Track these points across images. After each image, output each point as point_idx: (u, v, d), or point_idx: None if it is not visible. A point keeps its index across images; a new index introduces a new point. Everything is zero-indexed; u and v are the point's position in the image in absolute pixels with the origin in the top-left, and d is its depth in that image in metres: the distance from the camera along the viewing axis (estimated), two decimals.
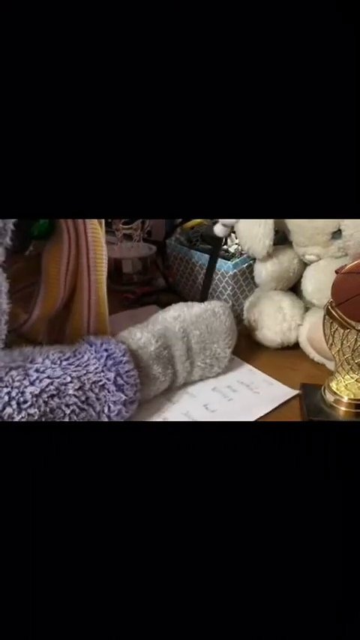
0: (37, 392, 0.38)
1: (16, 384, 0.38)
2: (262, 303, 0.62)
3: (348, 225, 0.53)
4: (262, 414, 0.49)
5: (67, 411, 0.40)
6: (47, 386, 0.39)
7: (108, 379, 0.43)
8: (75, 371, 0.41)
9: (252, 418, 0.48)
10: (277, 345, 0.60)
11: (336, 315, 0.44)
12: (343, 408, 0.47)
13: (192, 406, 0.50)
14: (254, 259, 0.65)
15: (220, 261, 0.65)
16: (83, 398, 0.41)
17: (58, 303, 0.49)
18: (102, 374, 0.43)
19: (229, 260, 0.65)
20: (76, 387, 0.41)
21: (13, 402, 0.37)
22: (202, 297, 0.59)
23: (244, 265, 0.66)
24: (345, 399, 0.47)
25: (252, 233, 0.62)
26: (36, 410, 0.38)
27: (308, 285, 0.58)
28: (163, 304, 0.75)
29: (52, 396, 0.39)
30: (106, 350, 0.44)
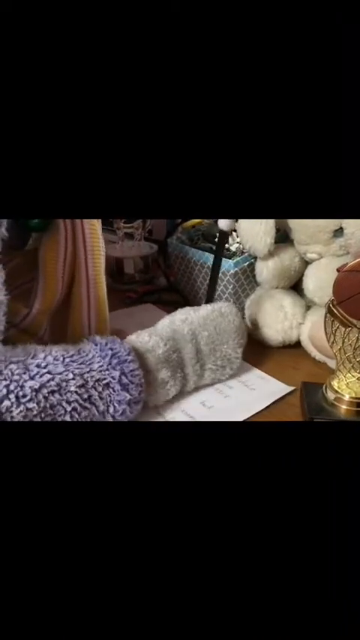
0: (36, 386, 0.38)
1: (16, 377, 0.38)
2: (264, 302, 0.61)
3: (349, 223, 0.53)
4: (258, 410, 0.49)
5: (68, 408, 0.40)
6: (48, 381, 0.39)
7: (113, 378, 0.42)
8: (78, 368, 0.41)
9: (249, 414, 0.49)
10: (279, 344, 0.60)
11: (337, 313, 0.44)
12: (344, 407, 0.47)
13: (189, 403, 0.51)
14: (255, 258, 0.65)
15: (222, 260, 0.65)
16: (85, 396, 0.41)
17: (58, 296, 0.49)
18: (106, 372, 0.42)
19: (230, 258, 0.65)
20: (78, 384, 0.40)
21: (12, 396, 0.37)
22: (209, 299, 0.59)
23: (246, 264, 0.66)
24: (346, 398, 0.47)
25: (253, 231, 0.62)
26: (35, 405, 0.38)
27: (309, 283, 0.58)
28: (165, 303, 0.75)
29: (52, 392, 0.39)
30: (111, 349, 0.44)
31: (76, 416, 0.40)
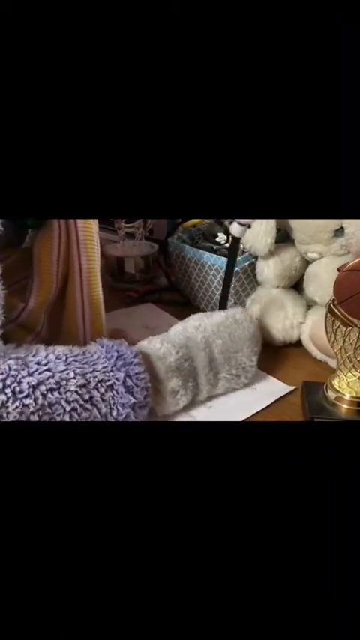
0: (34, 383, 0.37)
1: (13, 372, 0.37)
2: (265, 301, 0.61)
3: (350, 222, 0.53)
4: (258, 410, 0.49)
5: (68, 408, 0.39)
6: (47, 379, 0.38)
7: (117, 379, 0.41)
8: (80, 367, 0.40)
9: (249, 413, 0.49)
10: (280, 343, 0.60)
11: (338, 312, 0.44)
12: (345, 406, 0.47)
13: (189, 403, 0.50)
14: (256, 257, 0.65)
15: (222, 259, 0.65)
16: (87, 396, 0.40)
17: (52, 291, 0.49)
18: (111, 374, 0.41)
19: None
20: (79, 384, 0.39)
21: (8, 390, 0.36)
22: (222, 305, 0.56)
23: (247, 263, 0.66)
24: (347, 397, 0.47)
25: (254, 231, 0.62)
26: (32, 401, 0.37)
27: (310, 282, 0.58)
28: (165, 302, 0.75)
29: (51, 390, 0.38)
30: (117, 351, 0.43)
31: (76, 417, 0.39)
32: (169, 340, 0.47)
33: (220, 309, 0.54)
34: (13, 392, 0.36)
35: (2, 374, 0.37)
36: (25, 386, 0.37)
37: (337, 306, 0.43)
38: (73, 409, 0.39)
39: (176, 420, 0.48)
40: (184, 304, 0.75)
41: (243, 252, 0.67)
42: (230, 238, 0.55)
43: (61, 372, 0.39)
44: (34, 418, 0.37)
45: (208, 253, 0.68)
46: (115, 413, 0.41)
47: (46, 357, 0.40)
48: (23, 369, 0.38)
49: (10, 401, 0.36)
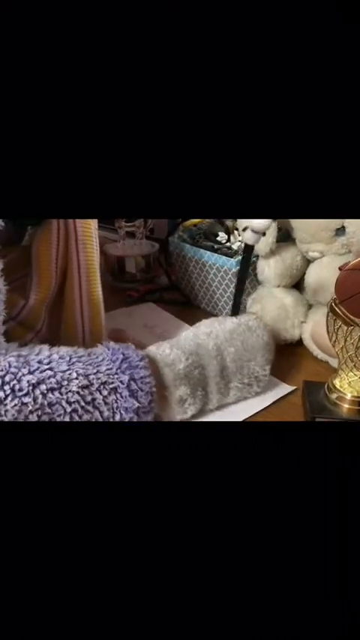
0: (34, 381, 0.37)
1: (13, 369, 0.36)
2: (265, 300, 0.61)
3: (351, 222, 0.53)
4: (259, 409, 0.49)
5: (68, 409, 0.38)
6: (48, 378, 0.37)
7: (121, 382, 0.40)
8: (83, 368, 0.39)
9: (250, 413, 0.48)
10: (280, 343, 0.60)
11: (339, 312, 0.43)
12: (346, 406, 0.47)
13: None
14: (257, 256, 0.65)
15: (223, 258, 0.65)
16: (89, 398, 0.39)
17: (52, 287, 0.49)
18: (115, 376, 0.40)
19: (232, 257, 0.65)
20: (82, 385, 0.38)
21: (7, 387, 0.35)
22: (234, 311, 0.55)
23: None
24: (348, 397, 0.47)
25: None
26: (31, 400, 0.36)
27: (311, 282, 0.58)
28: (166, 302, 0.75)
29: (52, 390, 0.37)
30: (123, 353, 0.42)
31: (77, 419, 0.38)
32: (179, 346, 0.46)
33: (232, 315, 0.52)
34: (12, 389, 0.36)
35: (2, 370, 0.36)
36: (24, 384, 0.36)
37: (339, 306, 0.43)
38: (74, 410, 0.38)
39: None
40: (184, 304, 0.75)
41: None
42: (243, 246, 0.53)
43: (63, 371, 0.38)
44: (33, 418, 0.37)
45: (209, 252, 0.68)
46: (117, 417, 0.40)
47: (49, 356, 0.39)
48: (24, 367, 0.37)
49: (9, 398, 0.35)
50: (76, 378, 0.38)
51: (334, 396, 0.48)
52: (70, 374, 0.38)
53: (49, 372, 0.38)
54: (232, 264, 0.64)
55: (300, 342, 0.61)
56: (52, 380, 0.37)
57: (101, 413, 0.39)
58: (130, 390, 0.40)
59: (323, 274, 0.56)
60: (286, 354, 0.60)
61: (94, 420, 0.39)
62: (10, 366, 0.36)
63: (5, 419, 0.36)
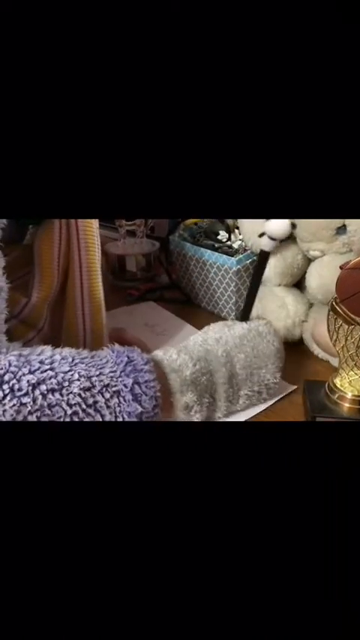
0: (34, 381, 0.36)
1: (13, 368, 0.35)
2: (266, 299, 0.61)
3: (352, 220, 0.52)
4: (260, 409, 0.49)
5: (69, 411, 0.36)
6: (49, 378, 0.36)
7: (125, 385, 0.39)
8: (86, 370, 0.38)
9: (251, 412, 0.48)
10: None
11: (340, 311, 0.43)
12: (347, 405, 0.47)
13: None
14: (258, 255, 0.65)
15: (224, 257, 0.65)
16: (90, 401, 0.37)
17: (55, 285, 0.48)
18: (119, 379, 0.39)
19: (232, 256, 0.65)
20: (83, 387, 0.37)
21: (6, 387, 0.35)
22: (244, 316, 0.52)
23: (248, 261, 0.66)
24: (349, 396, 0.47)
25: (255, 229, 0.62)
26: (30, 400, 0.35)
27: (312, 281, 0.58)
28: (167, 301, 0.75)
29: (52, 391, 0.36)
30: (128, 356, 0.41)
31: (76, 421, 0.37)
32: (187, 351, 0.44)
33: (241, 320, 0.51)
34: (11, 389, 0.35)
35: (1, 369, 0.35)
36: (24, 384, 0.35)
37: (339, 305, 0.43)
38: (75, 413, 0.37)
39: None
40: (185, 302, 0.75)
41: (245, 250, 0.67)
42: (259, 252, 0.51)
43: (65, 372, 0.37)
44: (32, 419, 0.36)
45: (209, 251, 0.68)
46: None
47: (51, 356, 0.38)
48: (24, 367, 0.36)
49: (7, 398, 0.35)
50: (78, 380, 0.37)
51: (334, 395, 0.48)
52: (71, 375, 0.37)
53: (50, 373, 0.37)
54: (232, 262, 0.64)
55: (301, 341, 0.61)
56: (53, 380, 0.36)
57: (103, 417, 0.38)
58: (133, 394, 0.39)
59: (324, 273, 0.56)
60: (286, 353, 0.59)
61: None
62: (10, 365, 0.36)
63: (3, 419, 0.35)
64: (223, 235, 0.72)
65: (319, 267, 0.57)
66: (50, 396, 0.36)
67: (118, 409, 0.39)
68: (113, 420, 0.39)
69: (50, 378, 0.36)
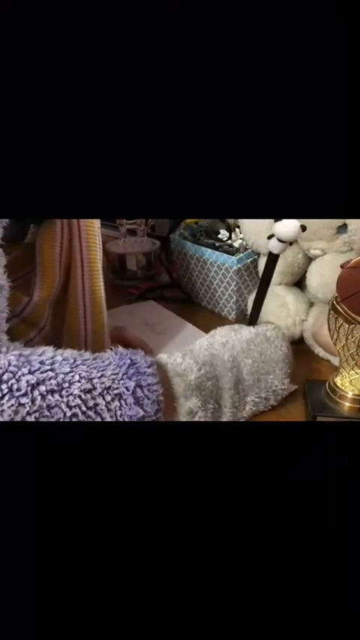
0: (33, 381, 0.35)
1: (12, 368, 0.35)
2: (267, 298, 0.61)
3: (353, 219, 0.52)
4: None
5: (68, 413, 0.36)
6: (49, 379, 0.35)
7: (126, 388, 0.38)
8: (87, 371, 0.37)
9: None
10: None
11: (341, 310, 0.43)
12: (347, 404, 0.47)
13: None
14: (258, 254, 0.65)
15: (224, 256, 0.65)
16: (91, 403, 0.37)
17: (56, 284, 0.48)
18: (121, 381, 0.38)
19: (233, 255, 0.65)
20: (84, 389, 0.36)
21: (4, 386, 0.34)
22: (252, 321, 0.51)
23: (249, 260, 0.66)
24: (350, 395, 0.47)
25: (256, 228, 0.61)
26: (29, 401, 0.34)
27: (313, 279, 0.58)
28: (167, 300, 0.75)
29: (51, 392, 0.35)
30: (130, 358, 0.40)
31: None
32: (193, 355, 0.44)
33: (249, 324, 0.51)
34: (10, 389, 0.34)
35: (0, 368, 0.35)
36: (23, 384, 0.35)
37: (340, 304, 0.43)
38: (74, 415, 0.36)
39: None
40: (185, 301, 0.75)
41: (245, 248, 0.67)
42: (268, 254, 0.49)
43: (65, 373, 0.36)
44: (31, 420, 0.35)
45: (210, 250, 0.68)
46: None
47: (52, 357, 0.37)
48: (24, 366, 0.35)
49: (6, 398, 0.34)
50: (79, 381, 0.36)
51: (335, 394, 0.48)
52: (72, 376, 0.36)
53: (50, 373, 0.36)
54: (233, 261, 0.64)
55: (301, 340, 0.61)
56: (53, 381, 0.36)
57: (103, 420, 0.37)
58: (135, 398, 0.38)
59: (325, 272, 0.56)
60: None
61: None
62: (9, 364, 0.35)
63: (1, 419, 0.34)
64: (223, 234, 0.72)
65: (320, 266, 0.57)
66: (49, 397, 0.35)
67: (119, 412, 0.38)
68: None
69: (50, 379, 0.36)
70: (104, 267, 0.51)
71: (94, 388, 0.37)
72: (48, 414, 0.35)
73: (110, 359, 0.40)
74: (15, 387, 0.34)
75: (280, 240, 0.46)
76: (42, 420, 0.35)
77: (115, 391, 0.38)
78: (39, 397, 0.35)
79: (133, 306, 0.74)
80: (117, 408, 0.38)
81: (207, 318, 0.70)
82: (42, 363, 0.36)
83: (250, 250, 0.66)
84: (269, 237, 0.46)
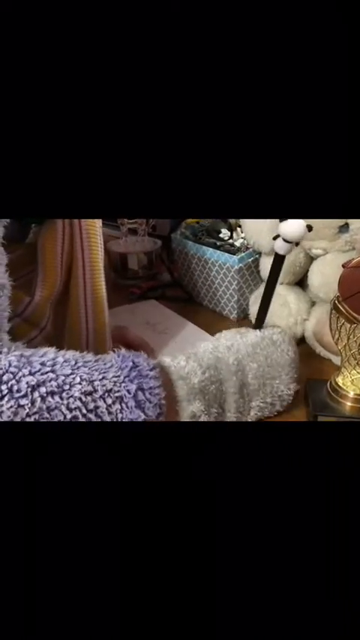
0: (34, 383, 0.34)
1: (12, 369, 0.34)
2: None
3: (355, 219, 0.52)
4: None
5: (69, 415, 0.35)
6: (49, 380, 0.35)
7: (128, 391, 0.37)
8: (88, 373, 0.37)
9: None
10: None
11: (342, 309, 0.43)
12: (348, 404, 0.47)
13: None
14: (260, 253, 0.65)
15: (226, 255, 0.65)
16: (91, 406, 0.36)
17: (58, 283, 0.48)
18: (122, 384, 0.38)
19: (234, 254, 0.65)
20: (84, 391, 0.36)
21: (4, 387, 0.34)
22: (258, 324, 0.50)
23: (250, 259, 0.65)
24: (351, 395, 0.47)
25: (257, 227, 0.61)
26: (28, 402, 0.34)
27: (314, 279, 0.57)
28: (169, 299, 0.75)
29: (52, 393, 0.35)
30: (133, 361, 0.39)
31: None
32: (197, 359, 0.43)
33: (255, 328, 0.50)
34: (10, 389, 0.34)
35: (0, 369, 0.34)
36: (23, 385, 0.34)
37: (342, 303, 0.43)
38: (74, 417, 0.36)
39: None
40: (187, 301, 0.75)
41: (247, 248, 0.67)
42: (274, 255, 0.47)
43: (66, 375, 0.36)
44: (29, 420, 0.35)
45: (211, 249, 0.67)
46: None
47: (53, 358, 0.37)
48: (25, 367, 0.35)
49: (5, 399, 0.34)
50: (79, 383, 0.36)
51: (336, 394, 0.48)
52: (73, 378, 0.36)
53: (51, 375, 0.35)
54: (234, 261, 0.64)
55: (302, 340, 0.61)
56: (53, 383, 0.35)
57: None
58: (136, 401, 0.38)
59: (326, 271, 0.56)
60: None
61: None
62: (10, 365, 0.35)
63: (0, 420, 0.34)
64: (225, 233, 0.72)
65: (322, 266, 0.57)
66: (50, 398, 0.35)
67: (120, 415, 0.37)
68: None
69: (50, 381, 0.35)
70: (105, 266, 0.51)
71: (95, 390, 0.37)
72: (48, 416, 0.35)
73: (112, 361, 0.39)
74: (15, 388, 0.34)
75: (285, 241, 0.45)
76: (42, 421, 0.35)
77: (117, 394, 0.37)
78: (39, 399, 0.35)
79: (134, 306, 0.74)
80: (118, 411, 0.37)
81: (208, 318, 0.70)
82: (43, 364, 0.36)
83: (251, 250, 0.66)
84: (275, 238, 0.45)
